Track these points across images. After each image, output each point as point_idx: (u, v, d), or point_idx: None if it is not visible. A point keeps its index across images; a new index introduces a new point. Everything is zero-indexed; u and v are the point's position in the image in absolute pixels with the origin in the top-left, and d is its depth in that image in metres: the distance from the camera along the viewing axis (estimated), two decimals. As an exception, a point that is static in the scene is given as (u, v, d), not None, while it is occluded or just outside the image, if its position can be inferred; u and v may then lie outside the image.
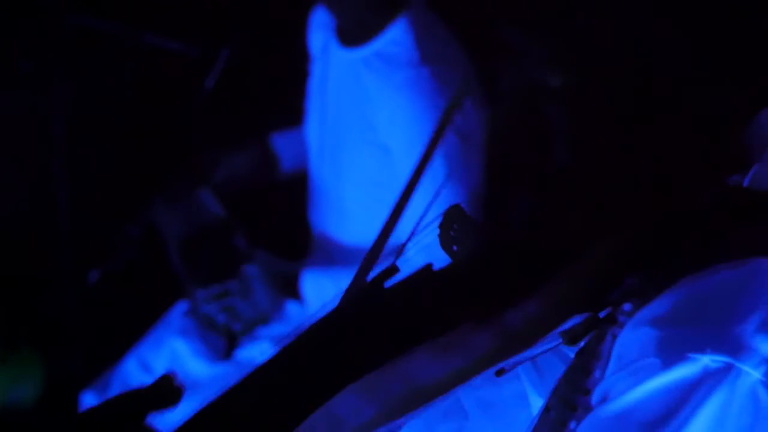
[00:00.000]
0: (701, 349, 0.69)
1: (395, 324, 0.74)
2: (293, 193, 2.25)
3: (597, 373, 0.74)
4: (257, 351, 2.08)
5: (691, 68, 0.76)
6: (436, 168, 1.84)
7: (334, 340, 0.74)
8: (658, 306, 0.73)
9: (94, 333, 2.35)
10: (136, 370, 2.11)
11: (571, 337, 0.77)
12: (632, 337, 0.74)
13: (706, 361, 0.69)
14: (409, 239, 0.87)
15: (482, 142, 1.95)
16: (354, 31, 1.97)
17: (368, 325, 0.74)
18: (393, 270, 0.76)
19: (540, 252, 0.77)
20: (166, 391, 0.75)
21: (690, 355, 0.69)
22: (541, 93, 0.80)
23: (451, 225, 0.84)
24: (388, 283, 0.75)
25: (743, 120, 0.77)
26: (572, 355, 0.86)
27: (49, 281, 2.37)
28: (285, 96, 2.24)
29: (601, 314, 0.76)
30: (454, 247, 0.84)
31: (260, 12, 2.56)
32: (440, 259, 0.82)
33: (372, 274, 0.78)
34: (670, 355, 0.70)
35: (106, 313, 2.41)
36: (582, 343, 0.80)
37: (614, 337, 0.74)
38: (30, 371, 2.32)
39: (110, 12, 2.40)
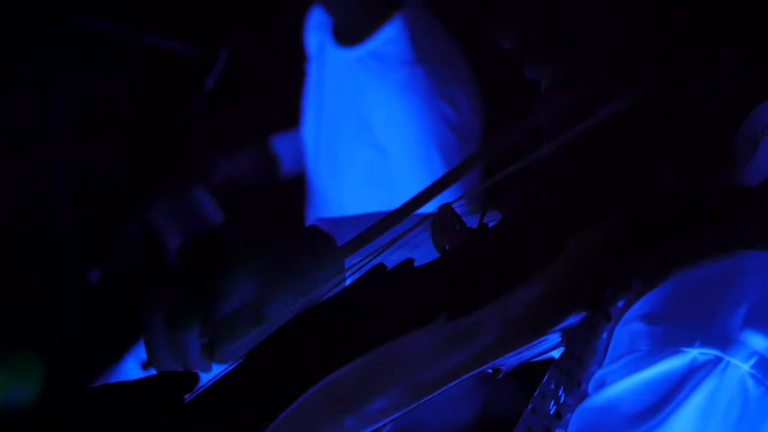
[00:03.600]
0: (690, 343, 0.70)
1: (390, 311, 0.74)
2: (292, 194, 2.26)
3: (593, 369, 0.75)
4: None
5: (681, 67, 0.77)
6: (434, 166, 1.84)
7: (333, 323, 0.75)
8: (648, 301, 0.74)
9: (94, 333, 2.36)
10: (136, 370, 2.12)
11: (572, 338, 0.78)
12: (623, 331, 0.75)
13: (694, 353, 0.70)
14: (397, 239, 0.87)
15: (479, 140, 1.95)
16: (350, 31, 1.98)
17: (365, 310, 0.75)
18: (379, 267, 0.77)
19: (531, 243, 0.77)
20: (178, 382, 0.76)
21: (679, 348, 0.70)
22: (531, 90, 0.81)
23: (443, 224, 0.85)
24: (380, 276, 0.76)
25: (731, 120, 0.77)
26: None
27: (49, 281, 2.38)
28: (285, 96, 2.24)
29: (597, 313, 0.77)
30: (447, 247, 0.84)
31: (260, 12, 2.56)
32: (428, 258, 0.82)
33: (357, 275, 0.78)
34: (659, 348, 0.71)
35: (106, 313, 2.42)
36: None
37: (610, 333, 0.75)
38: (30, 371, 2.32)
39: (110, 12, 2.40)
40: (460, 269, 0.78)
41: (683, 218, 0.76)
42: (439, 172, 1.93)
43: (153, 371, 0.83)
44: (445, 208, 0.86)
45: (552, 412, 0.78)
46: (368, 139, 1.93)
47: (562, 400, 0.77)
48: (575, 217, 0.77)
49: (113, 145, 2.62)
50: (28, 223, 2.48)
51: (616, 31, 0.78)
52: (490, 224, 0.82)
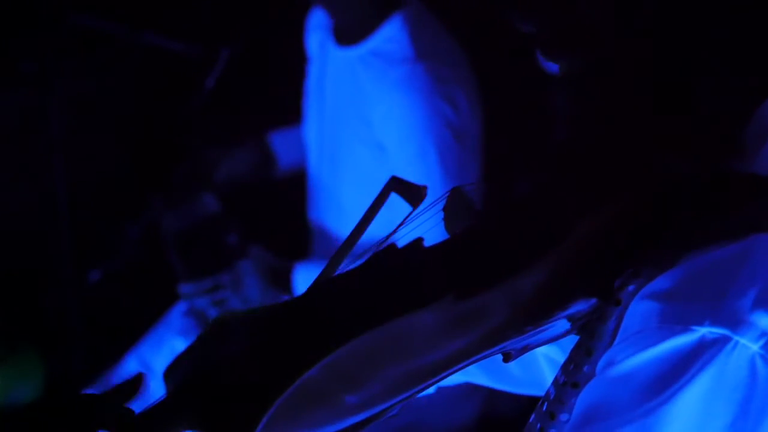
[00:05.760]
0: (700, 322, 0.71)
1: (391, 290, 0.75)
2: (291, 192, 2.26)
3: (600, 353, 0.76)
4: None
5: (695, 58, 0.77)
6: (430, 163, 1.84)
7: (335, 304, 0.75)
8: (659, 282, 0.75)
9: (95, 332, 2.36)
10: (137, 370, 2.11)
11: (581, 326, 0.78)
12: (634, 311, 0.75)
13: (704, 332, 0.71)
14: (403, 222, 0.87)
15: (479, 139, 1.96)
16: (350, 30, 1.98)
17: (372, 290, 0.75)
18: (392, 247, 0.77)
19: (541, 227, 0.78)
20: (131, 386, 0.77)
21: (689, 326, 0.71)
22: (545, 76, 0.81)
23: (455, 207, 0.85)
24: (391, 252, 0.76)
25: (743, 111, 0.78)
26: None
27: (50, 281, 2.38)
28: (285, 96, 2.24)
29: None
30: (458, 231, 0.85)
31: (261, 12, 2.57)
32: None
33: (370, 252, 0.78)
34: (669, 326, 0.71)
35: (106, 313, 2.42)
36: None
37: (619, 317, 0.76)
38: (30, 371, 2.32)
39: (111, 12, 2.40)
40: (468, 251, 0.79)
41: (694, 204, 0.76)
42: (434, 169, 1.94)
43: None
44: (456, 192, 0.87)
45: (552, 396, 0.79)
46: (368, 138, 1.93)
47: (563, 383, 0.78)
48: (585, 202, 0.77)
49: (113, 144, 2.62)
50: (28, 223, 2.48)
51: (633, 21, 0.78)
52: (500, 207, 0.83)
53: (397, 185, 0.87)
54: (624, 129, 0.79)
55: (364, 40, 1.94)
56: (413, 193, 0.86)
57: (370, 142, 1.93)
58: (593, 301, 0.77)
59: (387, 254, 0.77)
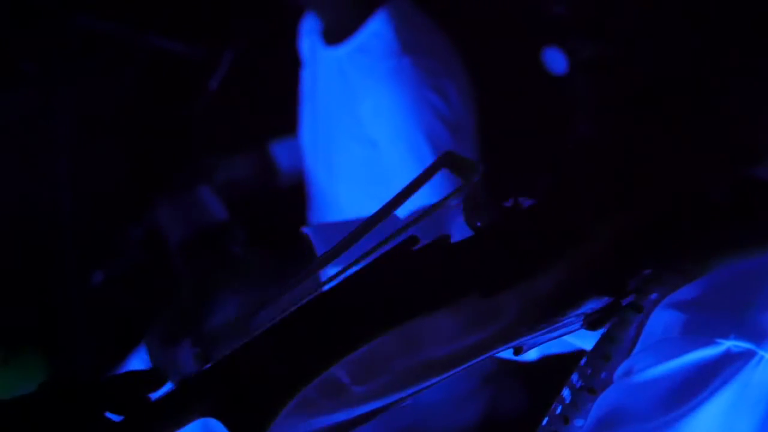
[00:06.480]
0: (725, 334, 0.70)
1: (417, 288, 0.74)
2: (293, 197, 2.26)
3: (618, 359, 0.75)
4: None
5: (720, 58, 0.75)
6: (423, 156, 1.84)
7: (354, 302, 0.74)
8: (684, 292, 0.74)
9: (98, 334, 2.36)
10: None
11: (592, 322, 0.77)
12: (657, 319, 0.74)
13: (728, 345, 0.70)
14: (415, 218, 0.86)
15: (473, 131, 1.95)
16: (337, 29, 1.99)
17: (391, 288, 0.74)
18: (413, 240, 0.76)
19: (561, 228, 0.77)
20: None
21: (713, 338, 0.70)
22: (571, 62, 0.79)
23: (475, 200, 0.84)
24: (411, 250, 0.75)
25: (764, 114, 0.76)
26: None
27: (53, 282, 2.38)
28: (288, 98, 2.24)
29: (624, 301, 0.76)
30: (478, 223, 0.84)
31: (263, 14, 2.56)
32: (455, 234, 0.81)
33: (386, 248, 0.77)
34: (693, 337, 0.70)
35: (109, 314, 2.42)
36: (602, 330, 0.80)
37: (641, 326, 0.75)
38: (33, 373, 2.32)
39: (114, 13, 2.40)
40: (488, 250, 0.78)
41: (720, 212, 0.75)
42: (428, 161, 1.92)
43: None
44: (478, 185, 0.85)
45: (568, 400, 0.78)
46: (360, 135, 1.93)
47: (579, 388, 0.77)
48: (606, 204, 0.77)
49: (117, 146, 2.62)
50: (32, 224, 2.48)
51: (662, 20, 0.76)
52: (523, 204, 0.82)
53: (449, 160, 0.85)
54: (651, 126, 0.78)
55: (350, 37, 1.95)
56: (466, 168, 0.84)
57: (362, 138, 1.92)
58: (605, 298, 0.76)
59: (411, 249, 0.76)
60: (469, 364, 0.76)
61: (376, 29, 1.92)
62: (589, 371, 0.77)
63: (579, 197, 0.79)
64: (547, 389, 1.03)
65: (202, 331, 0.91)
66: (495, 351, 0.76)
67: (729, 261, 0.73)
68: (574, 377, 0.79)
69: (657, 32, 0.76)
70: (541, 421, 0.84)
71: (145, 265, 2.38)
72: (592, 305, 0.77)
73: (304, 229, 1.00)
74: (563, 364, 0.91)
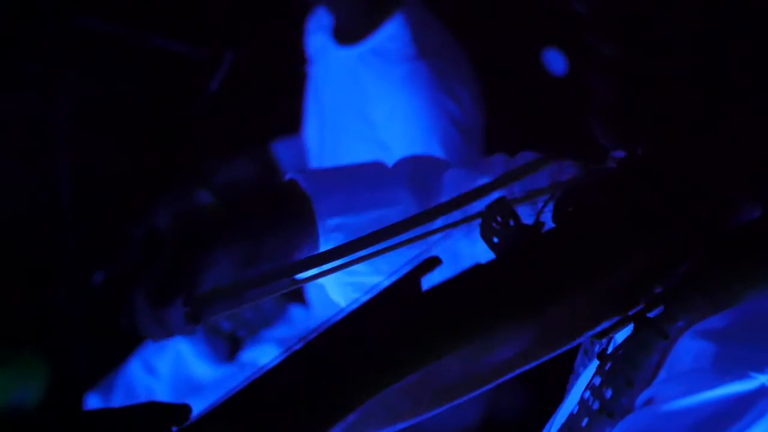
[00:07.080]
0: (759, 368, 0.68)
1: (436, 316, 0.71)
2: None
3: (639, 387, 0.72)
4: (261, 353, 2.07)
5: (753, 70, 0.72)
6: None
7: (372, 328, 0.71)
8: (714, 321, 0.71)
9: (99, 335, 2.35)
10: (140, 372, 2.11)
11: (598, 334, 0.74)
12: (684, 348, 0.72)
13: (763, 380, 0.67)
14: (437, 230, 0.85)
15: (482, 134, 1.94)
16: (350, 29, 1.98)
17: (408, 316, 0.71)
18: (434, 261, 0.72)
19: (583, 246, 0.75)
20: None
21: (747, 372, 0.68)
22: (590, 60, 0.76)
23: (494, 217, 0.82)
24: (429, 276, 0.72)
25: None
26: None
27: (53, 282, 2.37)
28: (290, 99, 2.24)
29: (631, 312, 0.73)
30: (495, 239, 0.82)
31: (266, 14, 2.56)
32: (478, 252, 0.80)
33: (408, 267, 0.74)
34: (726, 370, 0.68)
35: (110, 315, 2.41)
36: (611, 346, 0.79)
37: (664, 352, 0.72)
38: (33, 373, 2.31)
39: (115, 14, 2.40)
40: (508, 277, 0.74)
41: (754, 238, 0.73)
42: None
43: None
44: (501, 202, 0.83)
45: (584, 423, 0.74)
46: (371, 137, 1.92)
47: (606, 412, 0.74)
48: (633, 228, 0.74)
49: (117, 146, 2.62)
50: (32, 224, 2.47)
51: (687, 23, 0.72)
52: (546, 225, 0.80)
53: (502, 206, 0.83)
54: (691, 140, 0.74)
55: (364, 38, 1.94)
56: (506, 223, 0.82)
57: (373, 141, 1.92)
58: (616, 318, 0.74)
59: (421, 274, 0.73)
60: (487, 388, 0.74)
61: (393, 32, 1.91)
62: (609, 394, 0.74)
63: (604, 222, 0.76)
64: (548, 390, 1.03)
65: (194, 291, 0.88)
66: (512, 374, 0.74)
67: (762, 292, 0.71)
68: (587, 395, 0.75)
69: (696, 39, 0.72)
70: (543, 423, 0.83)
71: (145, 266, 2.37)
72: (605, 325, 0.74)
73: (293, 175, 0.96)
74: (564, 364, 0.90)
